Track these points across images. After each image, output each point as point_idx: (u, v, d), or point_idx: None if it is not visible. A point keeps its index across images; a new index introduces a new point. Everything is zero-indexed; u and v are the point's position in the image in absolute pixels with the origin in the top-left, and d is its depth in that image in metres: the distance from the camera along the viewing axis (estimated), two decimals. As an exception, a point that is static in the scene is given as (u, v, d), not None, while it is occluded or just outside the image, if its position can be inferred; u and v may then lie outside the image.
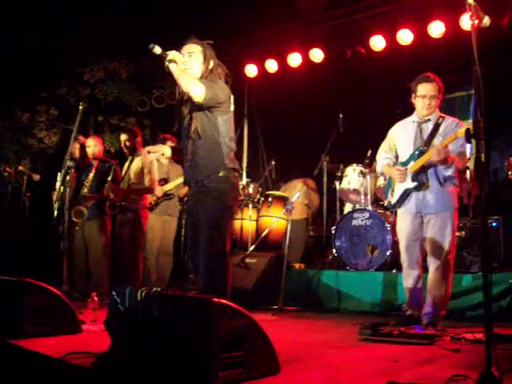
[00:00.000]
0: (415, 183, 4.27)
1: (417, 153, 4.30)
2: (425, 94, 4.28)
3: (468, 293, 4.99)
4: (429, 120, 4.36)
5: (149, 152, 4.93)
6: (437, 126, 4.31)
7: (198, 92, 3.53)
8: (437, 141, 4.26)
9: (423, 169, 4.24)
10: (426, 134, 4.34)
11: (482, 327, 2.39)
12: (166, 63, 3.53)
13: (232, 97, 3.78)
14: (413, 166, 4.29)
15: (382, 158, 4.61)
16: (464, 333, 3.79)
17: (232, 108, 3.79)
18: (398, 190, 4.40)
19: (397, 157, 4.56)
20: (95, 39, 8.71)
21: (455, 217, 4.28)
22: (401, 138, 4.49)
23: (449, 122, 4.33)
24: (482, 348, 2.31)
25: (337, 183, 6.84)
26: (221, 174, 3.64)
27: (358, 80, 7.80)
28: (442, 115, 4.39)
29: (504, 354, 2.94)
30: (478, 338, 3.56)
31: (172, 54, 3.54)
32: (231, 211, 3.76)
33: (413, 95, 4.39)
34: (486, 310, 2.44)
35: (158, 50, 3.52)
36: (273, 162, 7.81)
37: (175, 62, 3.55)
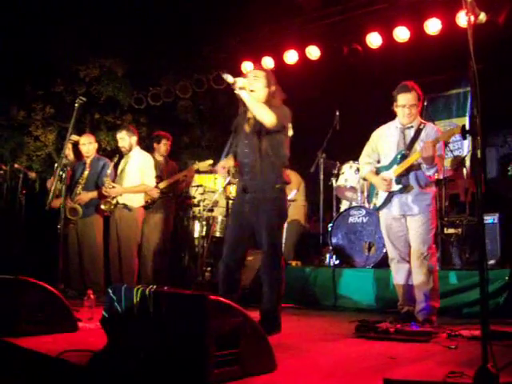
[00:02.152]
0: (399, 186, 4.39)
1: (399, 156, 4.42)
2: (405, 103, 4.42)
3: (465, 290, 5.01)
4: (411, 127, 4.49)
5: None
6: (418, 132, 4.45)
7: (270, 120, 3.94)
8: (418, 145, 4.38)
9: (406, 172, 4.37)
10: (408, 139, 4.47)
11: (478, 324, 2.38)
12: (237, 91, 3.90)
13: (290, 124, 4.22)
14: (396, 169, 4.40)
15: (365, 162, 4.71)
16: (460, 330, 3.80)
17: (291, 133, 4.27)
18: (383, 192, 4.50)
19: (378, 160, 4.66)
20: (91, 37, 8.69)
21: (433, 216, 4.43)
22: (384, 142, 4.60)
23: (429, 128, 4.47)
24: (478, 345, 2.31)
25: (333, 180, 6.83)
26: (278, 186, 4.08)
27: (355, 77, 7.80)
28: (424, 122, 4.53)
29: (500, 350, 2.95)
30: (474, 334, 3.55)
31: (242, 82, 3.92)
32: (285, 218, 4.27)
33: (394, 104, 4.52)
34: (483, 306, 2.44)
35: (230, 79, 3.89)
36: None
37: (244, 88, 3.91)
